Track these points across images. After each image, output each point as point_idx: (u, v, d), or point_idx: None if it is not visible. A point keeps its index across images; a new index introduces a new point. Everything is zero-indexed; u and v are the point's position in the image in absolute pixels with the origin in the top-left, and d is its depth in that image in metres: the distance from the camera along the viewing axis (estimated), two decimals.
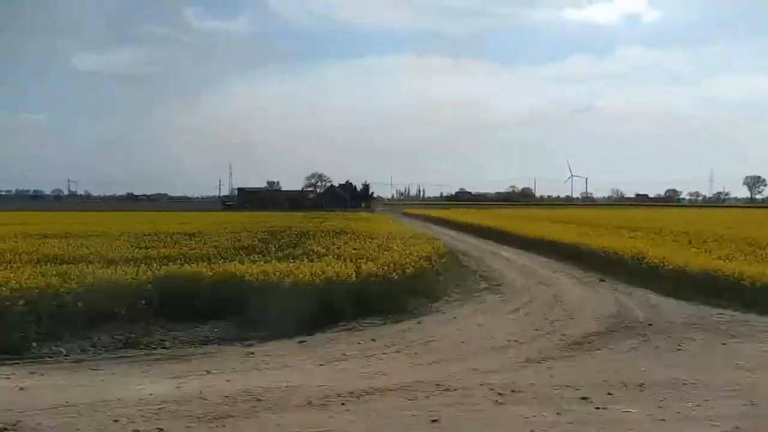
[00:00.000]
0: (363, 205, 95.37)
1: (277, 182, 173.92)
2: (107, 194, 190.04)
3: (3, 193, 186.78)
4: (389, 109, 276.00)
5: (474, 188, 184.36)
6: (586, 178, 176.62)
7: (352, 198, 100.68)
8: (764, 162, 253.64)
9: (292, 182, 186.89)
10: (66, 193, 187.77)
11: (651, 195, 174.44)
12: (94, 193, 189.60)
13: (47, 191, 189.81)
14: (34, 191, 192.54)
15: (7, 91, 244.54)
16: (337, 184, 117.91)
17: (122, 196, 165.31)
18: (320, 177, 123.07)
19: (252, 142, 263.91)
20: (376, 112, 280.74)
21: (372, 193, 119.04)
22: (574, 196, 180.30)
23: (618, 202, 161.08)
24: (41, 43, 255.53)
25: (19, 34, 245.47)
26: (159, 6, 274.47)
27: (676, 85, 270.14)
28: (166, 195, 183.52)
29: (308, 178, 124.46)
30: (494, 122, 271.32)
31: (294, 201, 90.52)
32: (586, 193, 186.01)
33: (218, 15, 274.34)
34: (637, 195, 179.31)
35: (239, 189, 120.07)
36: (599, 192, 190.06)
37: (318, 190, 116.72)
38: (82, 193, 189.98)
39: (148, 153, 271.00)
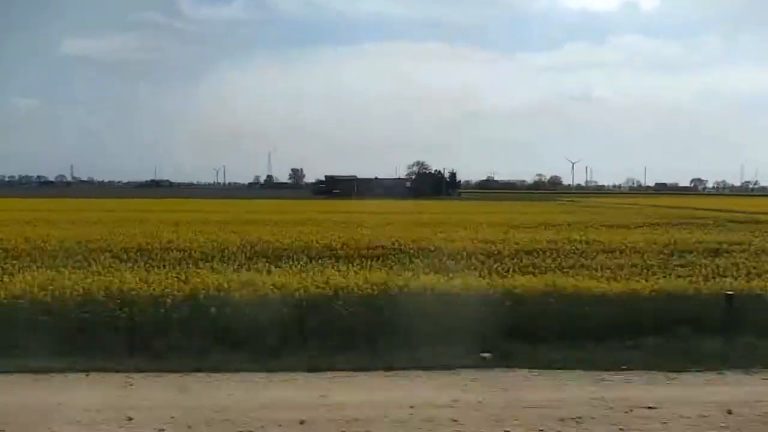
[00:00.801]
0: (450, 192, 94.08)
1: (301, 169, 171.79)
2: (106, 180, 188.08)
3: (6, 179, 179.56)
4: (386, 96, 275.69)
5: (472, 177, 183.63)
6: (587, 166, 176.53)
7: (441, 186, 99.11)
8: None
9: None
10: (69, 178, 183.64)
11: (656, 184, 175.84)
12: (96, 179, 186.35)
13: (45, 177, 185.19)
14: (38, 176, 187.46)
15: None
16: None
17: (146, 182, 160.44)
18: (422, 165, 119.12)
19: (245, 130, 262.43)
20: (373, 100, 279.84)
21: (459, 181, 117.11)
22: (575, 184, 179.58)
23: (636, 191, 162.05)
24: (32, 28, 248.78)
25: (10, 18, 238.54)
26: None
27: (675, 74, 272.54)
28: (168, 181, 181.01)
29: (410, 167, 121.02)
30: (492, 109, 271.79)
31: (391, 189, 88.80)
32: (587, 180, 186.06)
33: (212, 1, 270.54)
34: (656, 184, 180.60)
35: (327, 176, 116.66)
36: (602, 180, 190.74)
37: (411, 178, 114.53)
38: (85, 179, 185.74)
39: (139, 139, 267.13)
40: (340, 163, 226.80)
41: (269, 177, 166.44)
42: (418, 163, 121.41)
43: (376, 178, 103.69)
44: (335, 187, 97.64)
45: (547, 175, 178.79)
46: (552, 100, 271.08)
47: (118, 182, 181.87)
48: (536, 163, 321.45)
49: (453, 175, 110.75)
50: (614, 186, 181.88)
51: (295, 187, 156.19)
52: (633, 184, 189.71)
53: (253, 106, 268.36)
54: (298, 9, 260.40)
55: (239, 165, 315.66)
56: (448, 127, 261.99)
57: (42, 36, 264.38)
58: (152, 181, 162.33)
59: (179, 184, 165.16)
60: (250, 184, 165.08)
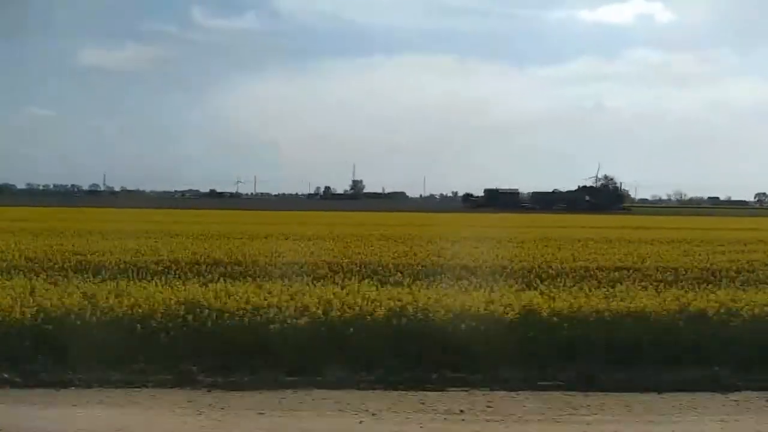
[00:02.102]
0: (623, 207, 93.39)
1: (361, 181, 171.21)
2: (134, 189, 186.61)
3: (41, 187, 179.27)
4: (397, 108, 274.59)
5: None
6: (612, 178, 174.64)
7: (606, 200, 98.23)
8: None
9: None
10: (102, 188, 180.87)
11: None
12: (129, 188, 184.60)
13: (80, 186, 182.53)
14: (72, 185, 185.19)
15: (14, 85, 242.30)
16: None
17: (204, 192, 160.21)
18: (609, 179, 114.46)
19: (260, 139, 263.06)
20: (384, 112, 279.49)
21: (624, 194, 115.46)
22: None
23: (689, 204, 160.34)
24: (49, 39, 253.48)
25: (25, 30, 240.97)
26: (165, 3, 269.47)
27: (688, 87, 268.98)
28: (194, 190, 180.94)
29: (597, 179, 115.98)
30: (505, 122, 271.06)
31: (572, 202, 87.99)
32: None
33: (225, 13, 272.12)
34: (709, 198, 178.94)
35: (487, 189, 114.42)
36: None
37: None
38: (118, 188, 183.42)
39: (154, 149, 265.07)
40: (351, 172, 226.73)
41: (327, 188, 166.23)
42: (605, 176, 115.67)
43: (555, 191, 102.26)
44: (498, 200, 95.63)
45: None
46: (565, 113, 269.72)
47: (143, 191, 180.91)
48: (547, 173, 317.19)
49: (617, 188, 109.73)
50: (663, 198, 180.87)
51: (355, 197, 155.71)
52: (682, 197, 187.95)
53: (263, 115, 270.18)
54: (311, 20, 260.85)
55: (256, 174, 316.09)
56: (459, 138, 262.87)
57: (58, 47, 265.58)
58: (212, 191, 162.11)
59: (230, 194, 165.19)
60: (309, 195, 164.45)
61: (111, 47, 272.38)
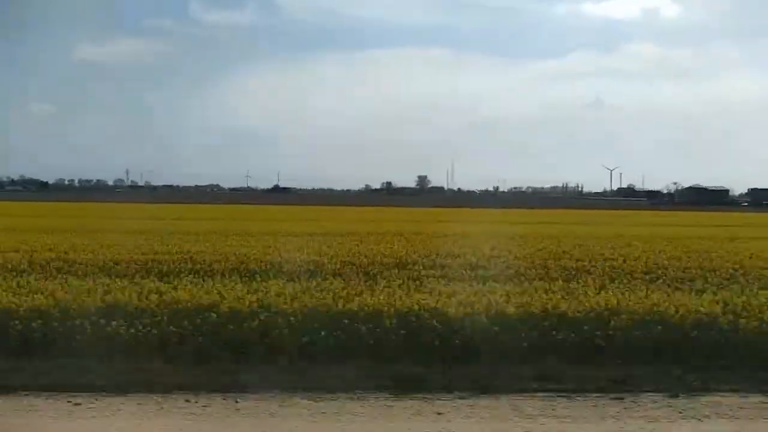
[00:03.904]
0: None
1: (426, 176, 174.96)
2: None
3: (66, 182, 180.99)
4: (393, 103, 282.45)
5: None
6: (621, 173, 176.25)
7: None
8: None
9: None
10: (128, 182, 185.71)
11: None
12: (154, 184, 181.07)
13: (105, 181, 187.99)
14: (98, 180, 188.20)
15: (14, 80, 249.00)
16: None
17: (268, 189, 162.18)
18: None
19: (254, 132, 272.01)
20: (379, 106, 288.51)
21: None
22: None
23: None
24: (46, 34, 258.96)
25: (24, 25, 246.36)
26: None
27: (689, 82, 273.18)
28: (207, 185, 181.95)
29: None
30: (503, 117, 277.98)
31: None
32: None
33: (223, 7, 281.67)
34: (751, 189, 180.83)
35: (692, 187, 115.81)
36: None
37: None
38: (142, 183, 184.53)
39: (152, 143, 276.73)
40: (349, 167, 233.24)
41: (388, 183, 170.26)
42: None
43: None
44: (705, 198, 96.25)
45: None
46: (566, 107, 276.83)
47: (178, 185, 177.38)
48: (550, 170, 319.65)
49: None
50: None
51: (418, 193, 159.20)
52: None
53: (261, 108, 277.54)
54: (308, 15, 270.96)
55: (260, 168, 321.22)
56: (456, 134, 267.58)
57: (57, 43, 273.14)
58: (276, 186, 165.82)
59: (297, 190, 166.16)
60: (374, 190, 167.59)
61: (110, 43, 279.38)
